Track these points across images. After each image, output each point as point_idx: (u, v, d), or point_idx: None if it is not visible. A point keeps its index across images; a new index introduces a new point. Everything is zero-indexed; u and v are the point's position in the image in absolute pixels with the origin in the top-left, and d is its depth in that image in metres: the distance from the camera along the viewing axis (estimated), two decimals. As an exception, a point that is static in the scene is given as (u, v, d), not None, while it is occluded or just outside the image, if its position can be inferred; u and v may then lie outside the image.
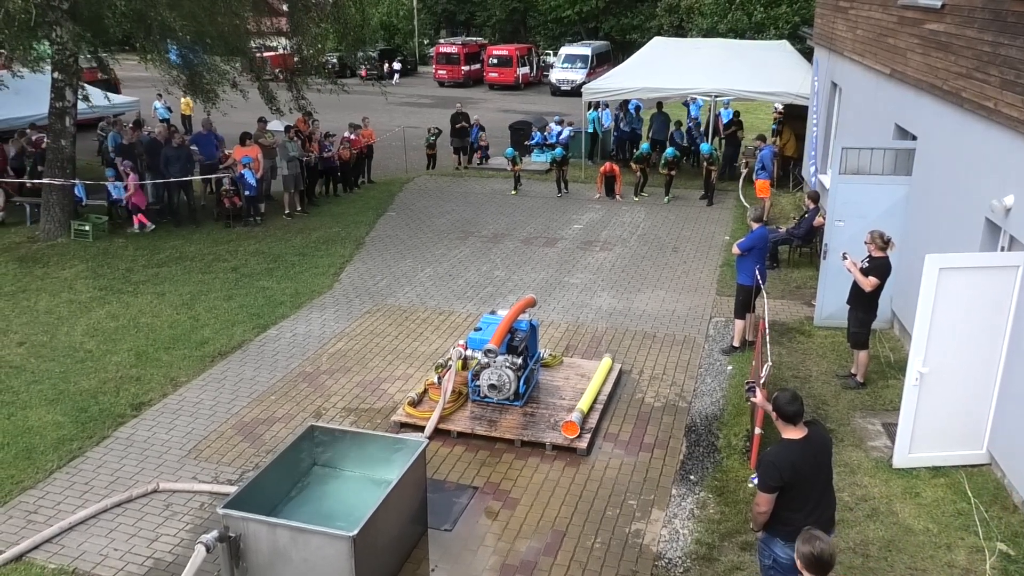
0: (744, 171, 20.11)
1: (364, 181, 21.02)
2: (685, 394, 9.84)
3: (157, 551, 7.06)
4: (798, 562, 4.42)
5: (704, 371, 10.44)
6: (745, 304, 10.78)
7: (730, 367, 10.49)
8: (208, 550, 6.07)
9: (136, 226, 16.53)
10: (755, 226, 10.66)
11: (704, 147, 19.85)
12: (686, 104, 24.10)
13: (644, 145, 20.13)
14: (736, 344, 10.93)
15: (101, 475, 8.19)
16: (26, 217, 16.99)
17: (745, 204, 17.44)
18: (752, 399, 5.96)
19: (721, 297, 12.92)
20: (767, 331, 9.19)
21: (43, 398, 9.64)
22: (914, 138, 11.04)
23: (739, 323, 10.92)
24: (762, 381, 7.95)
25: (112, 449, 8.66)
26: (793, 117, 20.66)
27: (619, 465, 8.37)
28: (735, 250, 10.74)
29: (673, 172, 19.03)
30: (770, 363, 8.38)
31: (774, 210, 17.98)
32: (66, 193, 15.99)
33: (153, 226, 16.59)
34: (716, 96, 20.70)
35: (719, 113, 22.67)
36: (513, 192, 19.75)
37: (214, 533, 6.10)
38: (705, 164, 19.04)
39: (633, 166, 19.45)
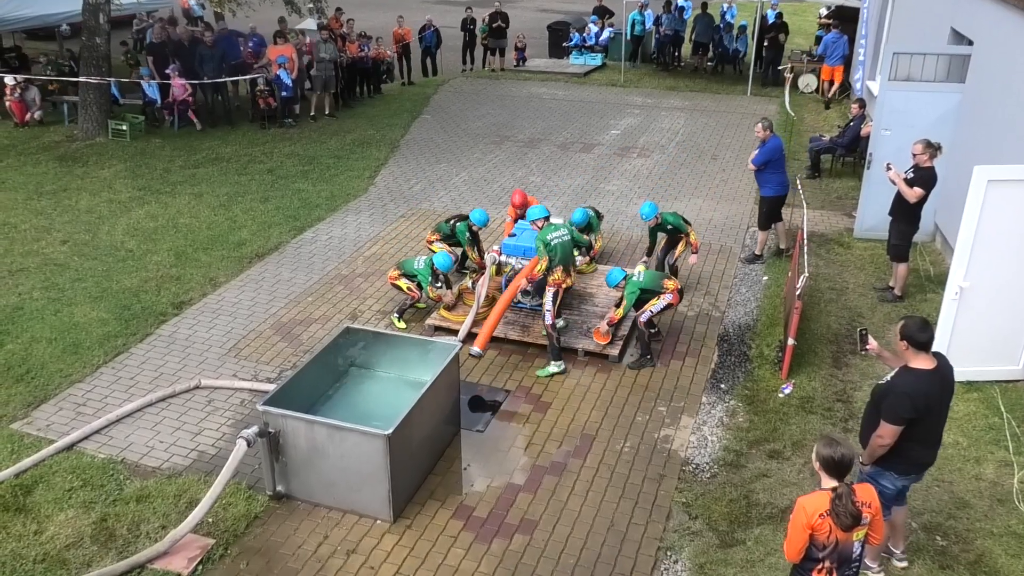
0: (790, 76, 19.49)
1: (404, 82, 20.80)
2: (719, 304, 9.82)
3: (200, 444, 7.32)
4: (816, 463, 4.50)
5: (739, 281, 10.38)
6: (771, 215, 10.67)
7: (765, 277, 10.42)
8: (249, 444, 6.29)
9: (169, 122, 16.59)
10: (767, 135, 10.36)
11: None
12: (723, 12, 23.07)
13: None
14: (758, 252, 10.90)
15: (145, 371, 8.45)
16: (63, 116, 17.06)
17: (790, 112, 16.98)
18: (868, 348, 5.77)
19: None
20: (805, 242, 9.07)
21: (87, 295, 9.88)
22: (970, 43, 10.56)
23: (762, 234, 10.85)
24: (798, 292, 7.90)
25: (155, 346, 8.91)
26: (843, 20, 19.84)
27: (650, 372, 8.44)
28: (750, 165, 10.51)
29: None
30: (807, 274, 8.30)
31: (818, 118, 17.50)
32: (102, 92, 15.99)
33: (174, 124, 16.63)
34: (762, -4, 19.89)
35: (765, 15, 21.83)
36: (400, 325, 9.26)
37: (254, 428, 6.31)
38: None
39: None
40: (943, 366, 5.29)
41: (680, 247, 9.86)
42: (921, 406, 5.13)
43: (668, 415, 7.78)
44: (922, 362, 5.21)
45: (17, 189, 13.29)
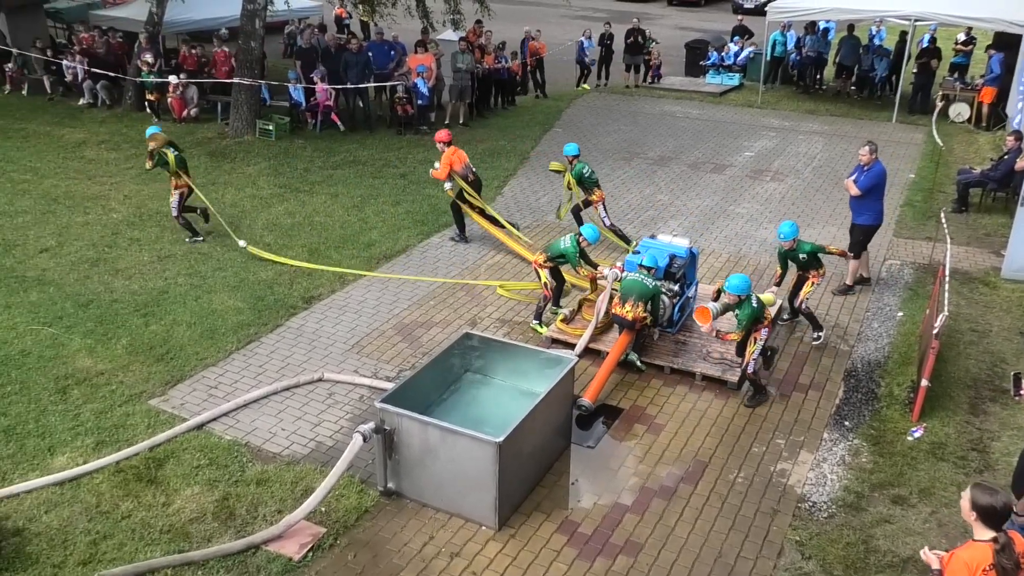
0: (940, 104, 18.56)
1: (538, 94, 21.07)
2: (848, 337, 9.42)
3: (319, 435, 7.58)
4: (972, 514, 4.25)
5: (871, 315, 9.93)
6: (865, 243, 10.34)
7: (900, 313, 9.92)
8: (365, 439, 6.47)
9: (311, 125, 17.32)
10: (872, 159, 9.94)
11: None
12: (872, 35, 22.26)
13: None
14: (849, 283, 10.46)
15: (273, 360, 8.83)
16: (217, 114, 18.10)
17: (938, 141, 16.15)
18: (1022, 393, 5.41)
19: (898, 239, 12.15)
20: (947, 278, 8.60)
21: (226, 284, 10.41)
22: None
23: (854, 263, 10.40)
24: (936, 331, 7.49)
25: (284, 337, 9.29)
26: (1003, 46, 18.73)
27: (770, 403, 8.18)
28: (854, 190, 10.06)
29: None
30: (946, 313, 7.86)
31: (969, 150, 16.58)
32: (253, 93, 16.86)
33: (325, 126, 17.30)
34: (916, 20, 18.95)
35: (920, 40, 20.86)
36: (541, 331, 9.41)
37: (371, 424, 6.48)
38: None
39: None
40: None
41: (806, 288, 9.18)
42: None
43: (786, 448, 7.50)
44: None
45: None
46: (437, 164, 11.54)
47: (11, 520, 6.39)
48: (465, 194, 11.61)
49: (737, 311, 7.90)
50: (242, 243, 11.43)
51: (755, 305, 7.87)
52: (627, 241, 11.49)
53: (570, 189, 11.75)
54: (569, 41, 23.22)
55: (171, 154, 11.41)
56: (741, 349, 8.20)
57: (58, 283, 10.34)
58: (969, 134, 17.83)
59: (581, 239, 9.17)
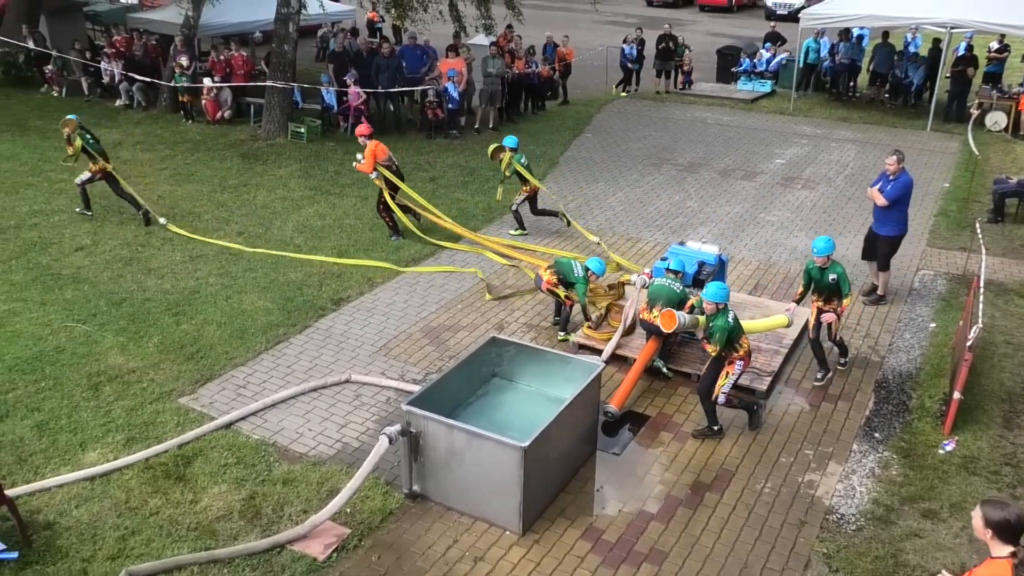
0: (976, 112, 18.28)
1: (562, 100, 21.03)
2: (879, 348, 9.30)
3: (345, 436, 7.62)
4: (987, 531, 4.16)
5: (903, 326, 9.80)
6: (891, 255, 10.24)
7: (933, 324, 9.78)
8: (391, 441, 6.49)
9: (343, 128, 17.44)
10: (899, 169, 9.82)
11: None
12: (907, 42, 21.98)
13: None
14: (881, 293, 10.31)
15: (301, 361, 8.89)
16: (250, 117, 18.29)
17: (974, 150, 15.92)
18: None
19: (932, 248, 11.98)
20: (981, 290, 8.46)
21: (256, 285, 10.51)
22: None
23: (884, 274, 10.29)
24: (969, 343, 7.37)
25: (312, 338, 9.35)
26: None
27: (798, 413, 8.10)
28: (880, 200, 9.91)
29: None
30: (980, 325, 7.74)
31: (1005, 159, 16.32)
32: (286, 96, 17.02)
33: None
34: (952, 28, 18.70)
35: (956, 48, 20.57)
36: (571, 338, 9.31)
37: (397, 427, 6.50)
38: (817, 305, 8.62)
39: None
40: None
41: (836, 325, 8.44)
42: None
43: (814, 459, 7.42)
44: None
45: (203, 182, 14.35)
46: (360, 157, 11.80)
47: (42, 514, 6.49)
48: (390, 183, 11.92)
49: (711, 322, 7.27)
50: (163, 220, 12.29)
51: (731, 321, 7.25)
52: (522, 227, 12.43)
53: (507, 174, 12.37)
54: (600, 47, 23.19)
55: (78, 140, 11.98)
56: (711, 377, 7.53)
57: (92, 281, 10.50)
58: (1006, 143, 17.57)
59: (589, 273, 9.16)
